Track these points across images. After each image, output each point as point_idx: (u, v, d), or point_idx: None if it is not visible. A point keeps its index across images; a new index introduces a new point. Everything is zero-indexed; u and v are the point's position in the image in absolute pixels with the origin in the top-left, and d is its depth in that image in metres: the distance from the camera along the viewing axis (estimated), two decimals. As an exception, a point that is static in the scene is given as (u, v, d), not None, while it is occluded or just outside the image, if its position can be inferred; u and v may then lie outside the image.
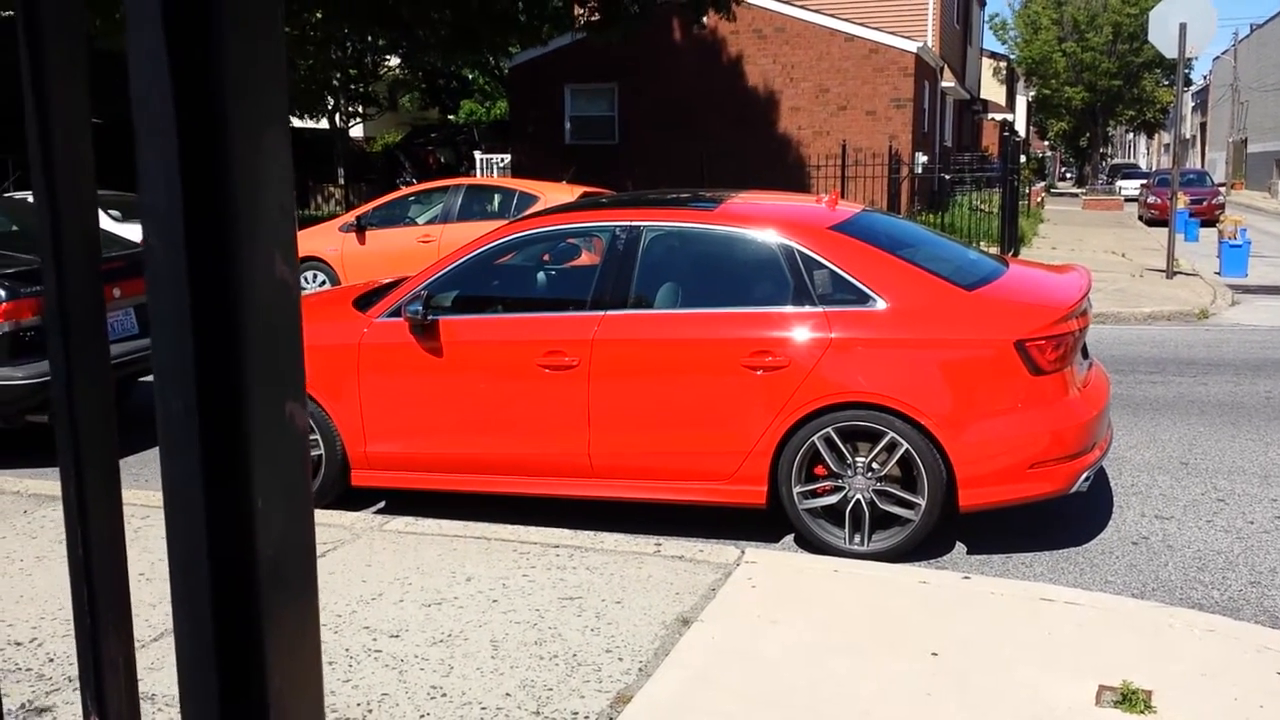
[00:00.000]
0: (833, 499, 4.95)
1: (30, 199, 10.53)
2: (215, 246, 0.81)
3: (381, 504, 5.89)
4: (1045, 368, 4.79)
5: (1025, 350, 4.76)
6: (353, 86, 31.86)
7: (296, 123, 32.26)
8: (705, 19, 21.58)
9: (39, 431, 6.95)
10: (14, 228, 8.22)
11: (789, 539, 5.24)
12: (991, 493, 4.83)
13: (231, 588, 0.86)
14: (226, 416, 0.84)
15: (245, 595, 0.86)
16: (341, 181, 29.72)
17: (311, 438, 5.57)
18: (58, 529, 5.11)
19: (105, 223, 11.76)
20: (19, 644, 3.85)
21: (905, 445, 4.78)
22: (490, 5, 18.74)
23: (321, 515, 5.21)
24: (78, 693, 3.49)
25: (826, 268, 5.04)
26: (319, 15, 19.16)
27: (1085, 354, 5.38)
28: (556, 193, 12.97)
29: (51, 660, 3.74)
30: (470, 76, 35.63)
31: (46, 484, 5.91)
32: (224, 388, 0.84)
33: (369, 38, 22.03)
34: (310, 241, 13.02)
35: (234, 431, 0.85)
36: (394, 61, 31.37)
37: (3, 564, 4.70)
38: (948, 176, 23.16)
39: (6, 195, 15.42)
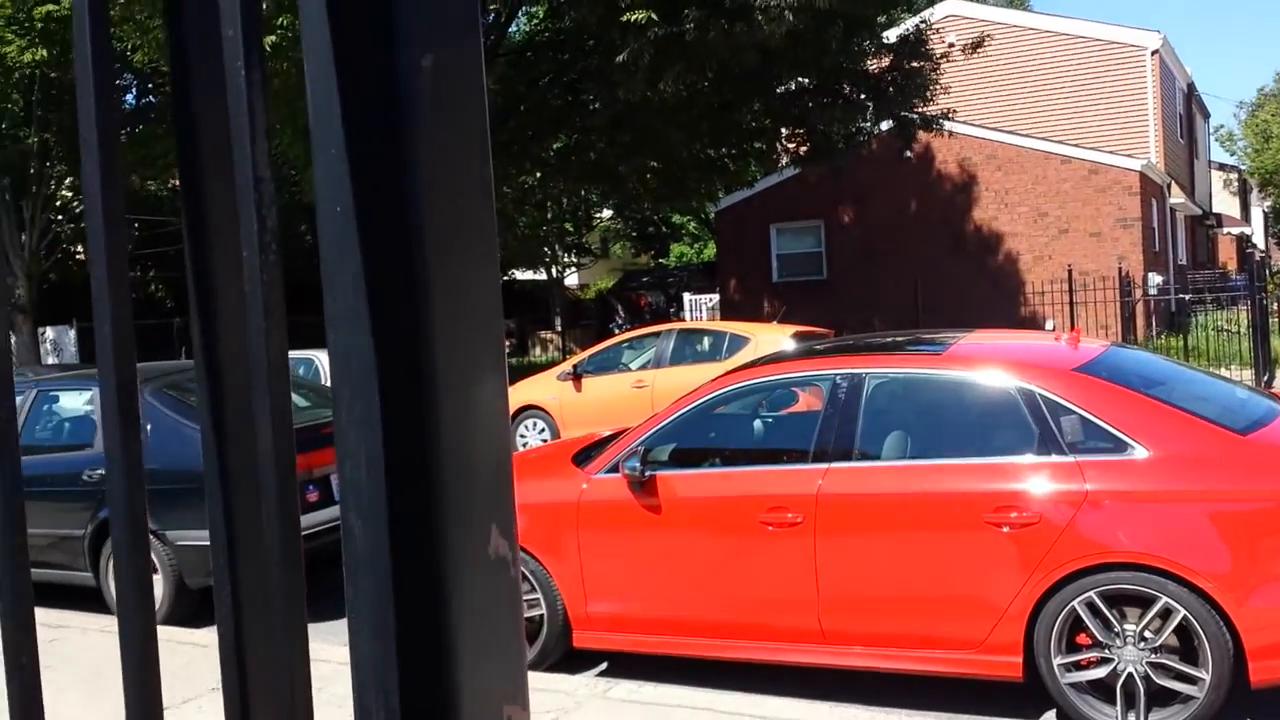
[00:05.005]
0: (1100, 672, 4.41)
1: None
2: (422, 530, 0.66)
3: (603, 665, 5.70)
4: (1344, 521, 4.18)
5: (1318, 502, 4.17)
6: (568, 238, 33.35)
7: (517, 274, 33.90)
8: (911, 150, 21.42)
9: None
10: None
11: (1050, 715, 4.70)
12: (1289, 666, 4.19)
13: None
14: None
15: None
16: (558, 328, 30.86)
17: (532, 596, 5.51)
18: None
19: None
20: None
21: (1182, 611, 4.22)
22: (698, 154, 19.20)
23: (543, 680, 5.06)
24: None
25: (1075, 413, 4.62)
26: (538, 175, 20.12)
27: (1389, 501, 4.69)
28: (767, 333, 12.86)
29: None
30: (679, 221, 36.66)
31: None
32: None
33: (584, 192, 22.98)
34: (530, 390, 13.39)
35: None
36: (606, 213, 32.66)
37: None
38: (1186, 297, 21.73)
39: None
